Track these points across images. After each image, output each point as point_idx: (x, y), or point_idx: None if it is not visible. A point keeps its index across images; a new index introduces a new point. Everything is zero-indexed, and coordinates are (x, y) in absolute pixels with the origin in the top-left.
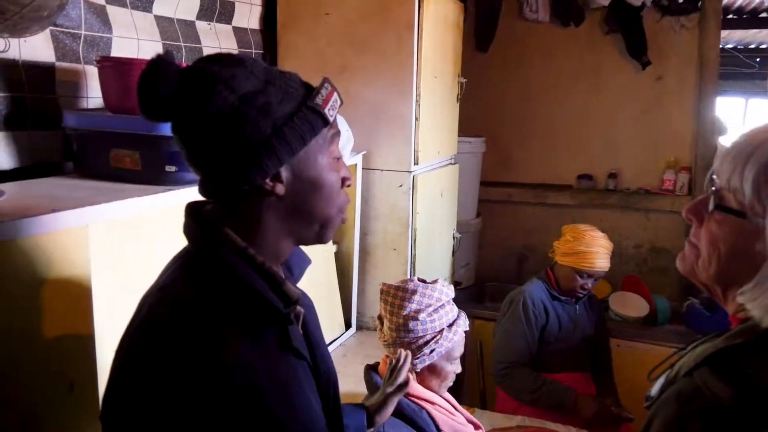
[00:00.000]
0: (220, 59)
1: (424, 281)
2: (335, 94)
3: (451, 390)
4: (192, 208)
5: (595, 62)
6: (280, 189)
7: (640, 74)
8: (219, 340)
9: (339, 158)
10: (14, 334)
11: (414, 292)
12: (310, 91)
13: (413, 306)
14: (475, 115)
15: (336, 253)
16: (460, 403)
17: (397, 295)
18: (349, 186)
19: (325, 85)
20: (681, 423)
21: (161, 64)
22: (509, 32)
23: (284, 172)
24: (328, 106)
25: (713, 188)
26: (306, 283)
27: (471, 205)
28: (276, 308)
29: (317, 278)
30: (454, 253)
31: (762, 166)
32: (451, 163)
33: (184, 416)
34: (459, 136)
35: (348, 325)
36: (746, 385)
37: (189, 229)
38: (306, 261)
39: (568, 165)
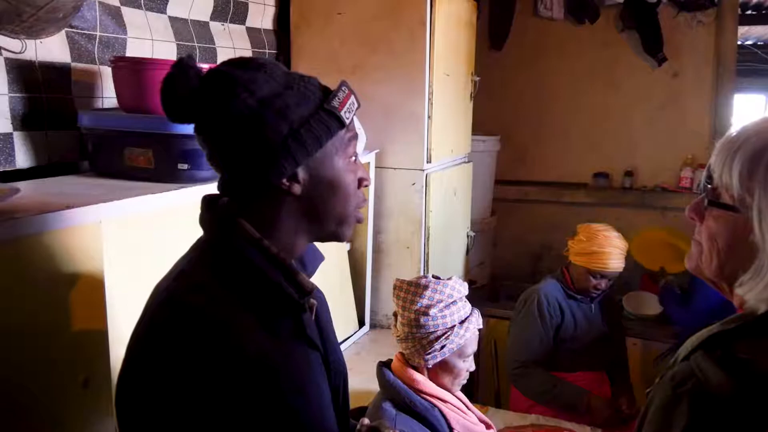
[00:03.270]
0: (242, 63)
1: (438, 278)
2: (352, 96)
3: (465, 389)
4: (208, 201)
5: (610, 59)
6: (296, 189)
7: (656, 71)
8: (234, 324)
9: (356, 159)
10: (29, 330)
11: (426, 287)
12: (327, 94)
13: (424, 301)
14: (490, 114)
15: (349, 252)
16: (475, 402)
17: (409, 291)
18: (366, 186)
19: (342, 88)
20: (672, 405)
21: (182, 66)
22: (523, 30)
23: (301, 173)
24: (345, 108)
25: (708, 185)
26: (320, 281)
27: (485, 203)
28: (290, 297)
29: (331, 276)
30: (468, 251)
31: (746, 160)
32: (464, 162)
33: (199, 396)
34: (474, 134)
35: (361, 323)
36: (741, 370)
37: (205, 220)
38: (319, 257)
39: (584, 163)
